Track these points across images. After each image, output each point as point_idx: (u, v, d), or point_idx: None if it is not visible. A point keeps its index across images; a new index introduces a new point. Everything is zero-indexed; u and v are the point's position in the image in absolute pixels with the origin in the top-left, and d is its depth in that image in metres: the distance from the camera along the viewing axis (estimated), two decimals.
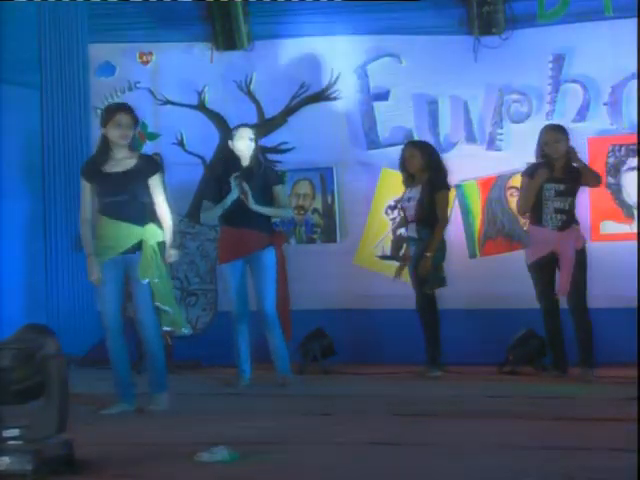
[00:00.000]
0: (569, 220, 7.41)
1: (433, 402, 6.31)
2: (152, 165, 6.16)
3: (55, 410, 4.15)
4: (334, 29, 8.71)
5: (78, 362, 8.11)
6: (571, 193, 7.44)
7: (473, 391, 6.85)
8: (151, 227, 6.01)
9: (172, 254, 6.10)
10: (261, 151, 7.26)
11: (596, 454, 4.46)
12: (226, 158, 7.32)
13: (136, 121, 6.12)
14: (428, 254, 7.58)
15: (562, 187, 7.41)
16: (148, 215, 6.03)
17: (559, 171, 7.43)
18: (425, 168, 7.78)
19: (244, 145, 7.15)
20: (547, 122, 8.06)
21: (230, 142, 7.24)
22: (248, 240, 7.12)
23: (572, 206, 7.44)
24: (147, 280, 5.92)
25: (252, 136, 7.18)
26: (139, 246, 5.96)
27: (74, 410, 4.44)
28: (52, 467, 4.11)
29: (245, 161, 7.18)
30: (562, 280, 7.34)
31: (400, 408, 6.01)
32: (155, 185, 6.04)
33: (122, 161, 6.05)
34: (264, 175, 7.21)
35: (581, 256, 7.36)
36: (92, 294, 7.82)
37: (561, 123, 7.87)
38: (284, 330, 7.27)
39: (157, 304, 5.98)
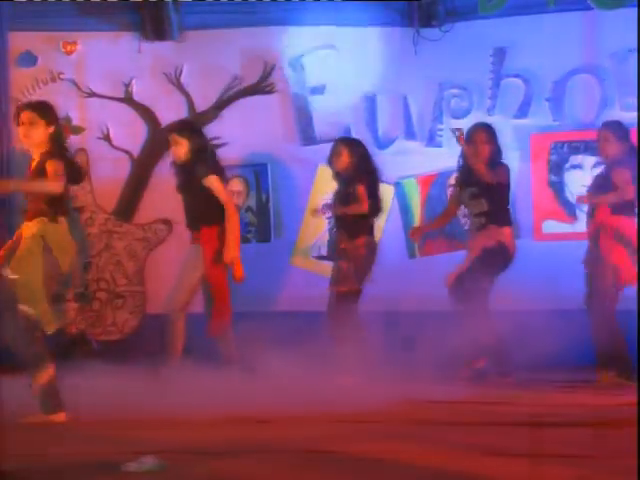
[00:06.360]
0: (487, 222, 7.26)
1: None
2: None
3: None
4: (268, 19, 8.51)
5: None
6: (485, 194, 7.24)
7: None
8: (33, 223, 5.73)
9: None
10: (196, 150, 7.15)
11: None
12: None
13: (46, 118, 5.82)
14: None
15: (475, 189, 7.29)
16: (40, 212, 5.74)
17: (474, 172, 7.25)
18: (352, 167, 7.53)
19: (173, 149, 7.26)
20: (489, 118, 7.95)
21: None
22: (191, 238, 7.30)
23: (490, 206, 7.25)
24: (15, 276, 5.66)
25: (178, 139, 7.19)
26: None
27: None
28: None
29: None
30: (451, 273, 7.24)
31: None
32: None
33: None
34: (196, 171, 7.13)
35: (490, 256, 7.16)
36: None
37: (502, 119, 7.70)
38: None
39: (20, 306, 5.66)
